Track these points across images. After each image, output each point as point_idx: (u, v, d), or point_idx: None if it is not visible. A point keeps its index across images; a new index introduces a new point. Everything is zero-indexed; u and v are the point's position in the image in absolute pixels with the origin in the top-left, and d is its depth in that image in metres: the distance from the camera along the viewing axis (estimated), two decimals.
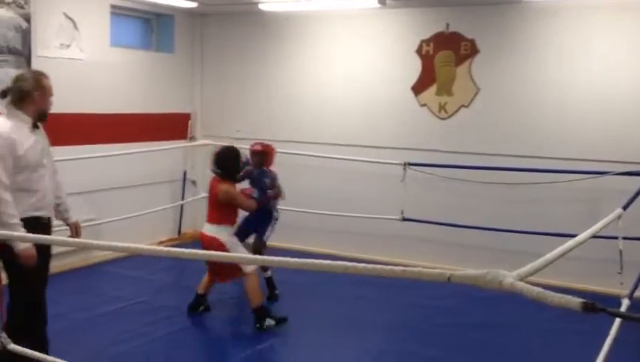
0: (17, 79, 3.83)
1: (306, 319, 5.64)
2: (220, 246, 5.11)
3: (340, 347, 5.10)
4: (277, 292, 6.03)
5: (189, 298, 5.82)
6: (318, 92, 7.75)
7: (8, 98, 3.79)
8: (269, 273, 6.04)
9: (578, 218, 6.19)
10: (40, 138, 3.88)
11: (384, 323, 5.59)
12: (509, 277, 1.83)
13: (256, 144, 5.99)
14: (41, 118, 3.89)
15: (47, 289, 6.01)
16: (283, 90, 7.96)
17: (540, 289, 1.74)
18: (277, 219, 6.05)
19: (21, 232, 3.60)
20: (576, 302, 1.68)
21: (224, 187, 5.25)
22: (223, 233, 5.24)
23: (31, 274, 3.79)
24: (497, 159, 6.74)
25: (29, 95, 3.79)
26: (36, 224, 3.75)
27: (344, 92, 7.60)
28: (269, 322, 5.19)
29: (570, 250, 2.58)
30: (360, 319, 5.66)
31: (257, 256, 2.73)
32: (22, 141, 3.70)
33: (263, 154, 5.89)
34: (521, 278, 1.86)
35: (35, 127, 3.83)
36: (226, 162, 5.33)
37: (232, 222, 5.39)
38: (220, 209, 5.28)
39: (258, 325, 5.18)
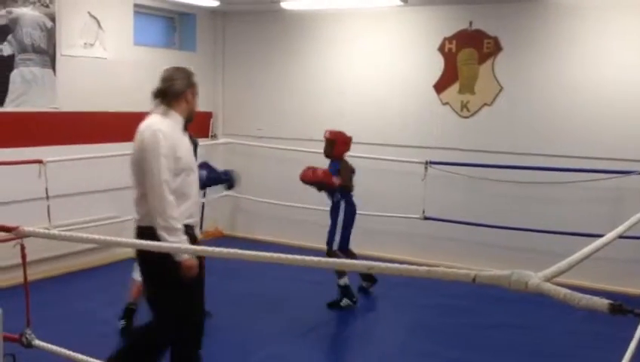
0: (169, 78, 3.61)
1: (327, 317, 5.64)
2: None
3: (361, 346, 5.10)
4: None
5: (212, 295, 5.81)
6: (339, 90, 7.74)
7: (159, 97, 3.60)
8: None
9: (602, 217, 6.14)
10: (189, 140, 3.67)
11: (405, 322, 5.57)
12: (535, 278, 1.82)
13: (326, 131, 5.91)
14: (191, 119, 3.69)
15: (74, 286, 6.10)
16: (304, 88, 7.97)
17: (567, 291, 1.72)
18: (348, 216, 5.79)
19: (184, 239, 3.38)
20: (603, 303, 1.66)
21: None
22: None
23: (187, 288, 3.50)
24: (520, 158, 6.69)
25: (183, 94, 3.60)
26: (187, 232, 3.49)
27: (366, 90, 7.58)
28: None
29: (597, 250, 2.54)
30: (381, 318, 5.66)
31: (273, 254, 2.48)
32: (180, 142, 3.50)
33: (332, 142, 5.82)
34: (547, 279, 1.84)
35: (185, 128, 3.62)
36: None
37: None
38: None
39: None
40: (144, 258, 3.51)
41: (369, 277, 6.17)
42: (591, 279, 6.02)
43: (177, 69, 3.67)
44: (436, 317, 5.65)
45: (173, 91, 3.57)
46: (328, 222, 5.91)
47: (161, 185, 3.34)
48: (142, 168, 3.40)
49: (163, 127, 3.44)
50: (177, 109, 3.58)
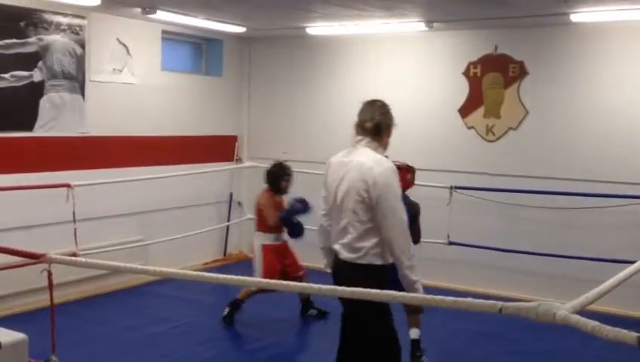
0: (374, 112, 3.60)
1: None
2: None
3: None
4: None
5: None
6: None
7: (358, 130, 3.58)
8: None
9: (631, 243, 6.03)
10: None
11: (432, 348, 5.49)
12: (563, 309, 1.79)
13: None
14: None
15: (99, 309, 6.16)
16: (329, 112, 7.99)
17: (596, 323, 1.69)
18: None
19: (420, 277, 3.42)
20: (632, 337, 1.63)
21: (259, 198, 5.94)
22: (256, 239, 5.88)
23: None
24: (546, 183, 6.62)
25: (389, 128, 3.60)
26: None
27: None
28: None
29: (627, 279, 2.50)
30: (407, 346, 5.57)
31: (299, 284, 2.58)
32: None
33: None
34: (575, 311, 1.82)
35: None
36: (269, 176, 5.91)
37: (263, 229, 5.84)
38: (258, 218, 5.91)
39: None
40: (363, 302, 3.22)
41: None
42: (618, 305, 5.88)
43: (381, 105, 3.67)
44: (463, 344, 5.57)
45: (384, 125, 3.57)
46: None
47: (403, 224, 3.34)
48: (371, 206, 3.33)
49: (390, 164, 3.44)
50: (382, 143, 3.57)
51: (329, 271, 3.68)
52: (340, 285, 3.21)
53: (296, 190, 7.93)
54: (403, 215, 3.35)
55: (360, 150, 3.51)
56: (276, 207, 5.79)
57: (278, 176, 5.86)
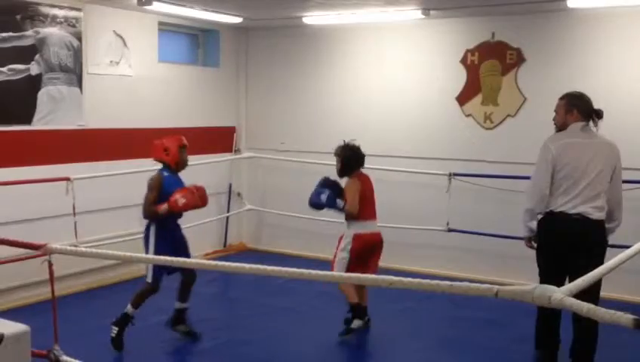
0: (586, 98, 4.60)
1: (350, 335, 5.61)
2: None
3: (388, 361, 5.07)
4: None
5: (234, 310, 5.86)
6: (362, 103, 7.75)
7: (584, 117, 4.54)
8: None
9: (632, 229, 6.03)
10: None
11: (434, 337, 5.52)
12: (558, 292, 1.80)
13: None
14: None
15: (101, 301, 6.18)
16: (327, 101, 8.00)
17: (591, 306, 1.71)
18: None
19: None
20: (628, 318, 1.65)
21: None
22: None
23: None
24: None
25: None
26: None
27: (388, 103, 7.59)
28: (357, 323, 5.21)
29: (622, 263, 2.51)
30: (408, 333, 5.60)
31: (295, 270, 2.54)
32: None
33: None
34: (571, 293, 1.83)
35: None
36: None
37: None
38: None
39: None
40: (600, 237, 4.38)
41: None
42: (617, 290, 5.90)
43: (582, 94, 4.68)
44: (465, 331, 5.59)
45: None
46: None
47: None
48: (611, 175, 4.38)
49: None
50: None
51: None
52: (588, 239, 4.30)
53: (296, 179, 7.96)
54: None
55: (591, 132, 4.47)
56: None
57: None
